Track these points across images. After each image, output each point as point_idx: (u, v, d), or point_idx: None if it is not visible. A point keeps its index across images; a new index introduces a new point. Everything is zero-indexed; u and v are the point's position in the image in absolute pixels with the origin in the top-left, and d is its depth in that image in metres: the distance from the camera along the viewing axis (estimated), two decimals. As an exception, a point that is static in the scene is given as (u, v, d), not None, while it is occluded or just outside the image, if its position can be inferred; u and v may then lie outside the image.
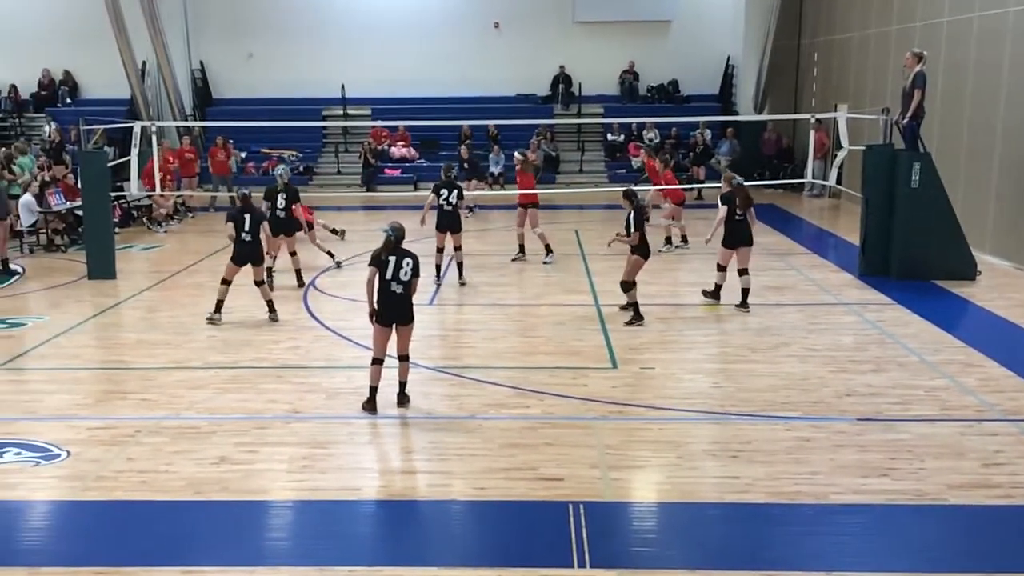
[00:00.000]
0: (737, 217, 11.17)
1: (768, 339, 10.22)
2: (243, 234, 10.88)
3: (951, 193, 13.08)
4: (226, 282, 11.04)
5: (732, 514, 6.28)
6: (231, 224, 10.91)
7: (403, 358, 8.15)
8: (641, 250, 10.60)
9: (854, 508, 6.28)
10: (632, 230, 10.47)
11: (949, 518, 6.23)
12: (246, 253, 10.95)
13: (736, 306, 11.34)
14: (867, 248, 13.16)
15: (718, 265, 11.60)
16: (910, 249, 12.72)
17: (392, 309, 7.94)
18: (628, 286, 10.70)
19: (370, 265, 7.91)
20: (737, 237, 11.24)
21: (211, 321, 10.98)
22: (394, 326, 8.00)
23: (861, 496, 6.43)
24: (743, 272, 11.31)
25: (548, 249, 14.36)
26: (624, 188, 11.09)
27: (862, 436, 7.46)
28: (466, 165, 19.67)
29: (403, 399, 8.21)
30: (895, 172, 12.79)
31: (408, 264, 7.86)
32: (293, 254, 13.04)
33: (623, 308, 11.08)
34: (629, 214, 10.52)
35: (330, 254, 14.18)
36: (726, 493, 6.52)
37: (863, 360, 9.44)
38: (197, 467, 6.98)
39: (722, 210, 11.17)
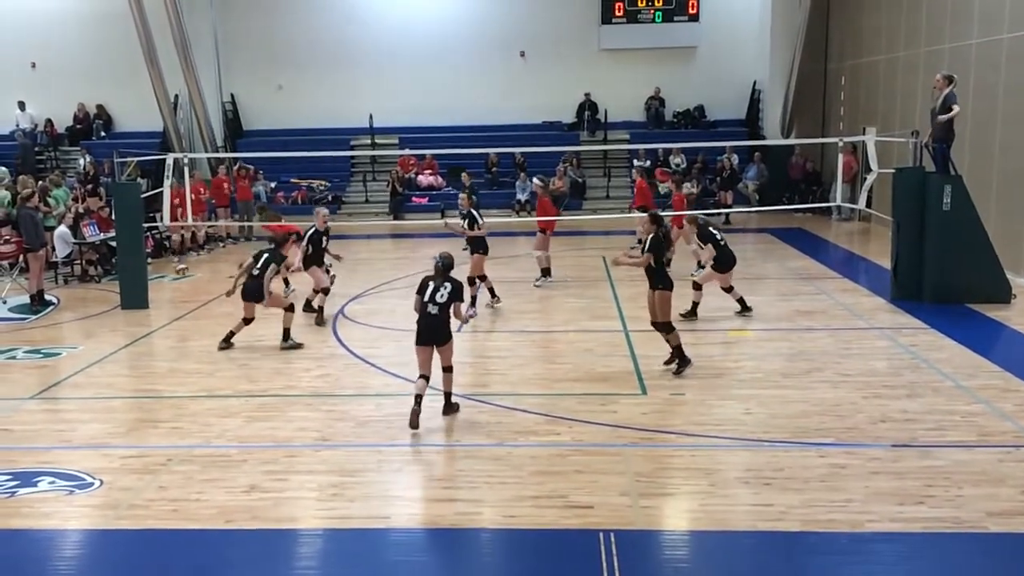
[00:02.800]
0: (721, 244, 12.07)
1: (800, 364, 10.12)
2: (254, 269, 11.14)
3: (984, 215, 12.92)
4: (246, 320, 11.24)
5: (766, 543, 6.19)
6: (252, 256, 11.30)
7: (446, 369, 8.54)
8: (663, 283, 9.73)
9: (891, 536, 6.17)
10: (645, 251, 9.76)
11: (989, 546, 6.09)
12: (248, 289, 11.17)
13: (736, 312, 12.26)
14: (899, 272, 13.01)
15: (723, 289, 12.29)
16: (943, 273, 12.56)
17: (428, 330, 8.39)
18: (667, 327, 9.82)
19: (416, 294, 8.49)
20: (727, 260, 12.08)
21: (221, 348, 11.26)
22: (433, 346, 8.41)
23: (898, 524, 6.32)
24: (729, 289, 12.30)
25: (544, 273, 14.70)
26: (652, 213, 10.88)
27: (898, 463, 7.34)
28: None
29: (449, 408, 8.61)
30: (926, 195, 12.67)
31: (446, 288, 8.35)
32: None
33: (676, 369, 9.87)
34: (648, 236, 9.84)
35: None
36: (759, 521, 6.43)
37: (897, 385, 9.31)
38: (228, 495, 7.01)
39: (708, 249, 12.15)
